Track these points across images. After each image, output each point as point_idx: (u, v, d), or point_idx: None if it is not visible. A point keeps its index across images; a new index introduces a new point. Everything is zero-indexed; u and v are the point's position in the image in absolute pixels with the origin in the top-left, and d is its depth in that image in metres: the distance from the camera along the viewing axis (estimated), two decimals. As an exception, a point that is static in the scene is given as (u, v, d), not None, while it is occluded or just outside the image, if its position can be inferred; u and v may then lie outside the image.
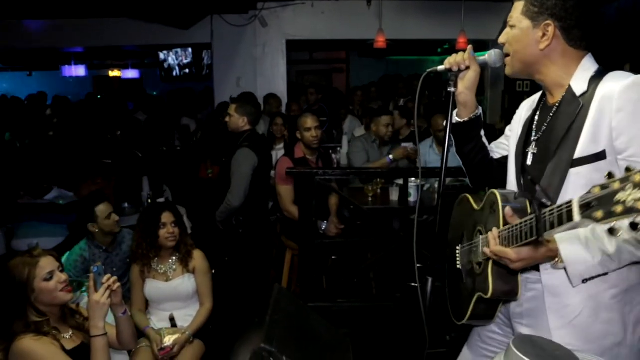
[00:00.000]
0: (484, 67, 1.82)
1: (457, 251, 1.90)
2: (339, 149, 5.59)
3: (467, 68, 1.80)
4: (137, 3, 6.15)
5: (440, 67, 1.83)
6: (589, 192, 1.14)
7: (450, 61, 1.79)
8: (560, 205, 1.24)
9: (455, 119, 1.90)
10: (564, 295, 1.59)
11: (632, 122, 1.44)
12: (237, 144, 4.09)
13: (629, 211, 1.04)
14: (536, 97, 1.83)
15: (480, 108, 1.91)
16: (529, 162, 1.72)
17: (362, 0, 7.28)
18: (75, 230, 4.12)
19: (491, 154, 1.97)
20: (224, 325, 3.41)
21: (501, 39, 1.73)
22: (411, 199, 4.21)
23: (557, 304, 1.61)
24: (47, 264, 2.23)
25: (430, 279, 1.75)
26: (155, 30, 7.70)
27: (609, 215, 1.08)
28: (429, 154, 4.95)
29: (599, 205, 1.10)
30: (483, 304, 1.70)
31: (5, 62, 12.14)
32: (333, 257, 4.66)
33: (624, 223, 1.07)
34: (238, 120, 4.09)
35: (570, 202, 1.20)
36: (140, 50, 10.82)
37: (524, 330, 1.70)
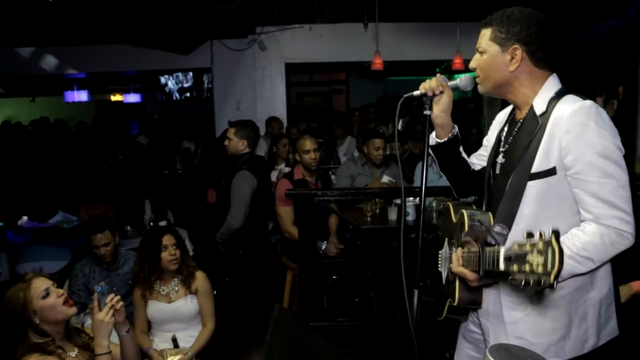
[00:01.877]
0: (456, 90, 1.95)
1: (439, 256, 2.07)
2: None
3: (441, 93, 1.92)
4: (137, 29, 6.27)
5: (416, 92, 1.95)
6: (510, 247, 1.39)
7: (425, 87, 1.92)
8: (493, 250, 1.49)
9: (435, 140, 2.03)
10: (516, 295, 1.80)
11: (577, 143, 1.64)
12: (237, 166, 4.15)
13: (532, 272, 1.28)
14: (508, 109, 2.00)
15: (456, 127, 2.02)
16: (497, 171, 1.91)
17: (359, 23, 7.38)
18: (79, 253, 4.16)
19: (472, 167, 2.11)
20: (225, 345, 3.45)
21: (472, 64, 1.89)
22: (409, 218, 4.27)
23: (511, 302, 1.81)
24: (40, 283, 2.25)
25: (416, 292, 1.84)
26: (156, 56, 7.81)
27: (520, 271, 1.32)
28: (428, 173, 4.99)
29: (516, 261, 1.34)
30: (454, 307, 1.89)
31: (8, 88, 12.26)
32: (333, 277, 4.69)
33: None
34: (237, 144, 4.16)
35: (498, 251, 1.44)
36: (142, 75, 10.93)
37: (488, 325, 1.90)
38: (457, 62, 6.96)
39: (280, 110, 7.96)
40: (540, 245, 1.27)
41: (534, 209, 1.73)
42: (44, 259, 4.25)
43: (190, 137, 8.85)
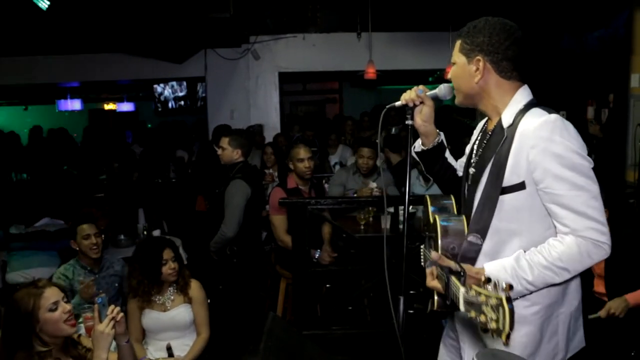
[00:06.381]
0: (436, 99, 1.96)
1: (421, 250, 2.04)
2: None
3: (422, 103, 1.95)
4: (132, 39, 6.28)
5: (398, 103, 1.97)
6: (469, 291, 1.36)
7: (406, 97, 1.94)
8: (456, 286, 1.45)
9: (421, 147, 2.07)
10: None
11: (544, 158, 1.63)
12: (230, 175, 4.16)
13: (486, 324, 1.29)
14: (486, 119, 1.99)
15: (442, 134, 2.06)
16: (469, 181, 1.90)
17: (352, 32, 7.43)
18: (66, 258, 4.14)
19: (457, 172, 2.12)
20: (219, 353, 3.44)
21: (448, 75, 1.91)
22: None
23: None
24: (52, 294, 2.25)
25: (402, 298, 1.81)
26: (150, 65, 7.83)
27: (477, 319, 1.32)
28: (415, 185, 4.97)
29: (474, 308, 1.34)
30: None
31: (1, 96, 12.25)
32: (327, 285, 4.70)
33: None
34: (232, 153, 4.16)
35: (459, 290, 1.42)
36: (135, 84, 10.94)
37: (464, 340, 1.89)
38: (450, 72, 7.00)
39: (273, 118, 7.99)
40: (493, 301, 1.27)
41: (506, 223, 1.72)
42: (33, 265, 4.23)
43: (184, 146, 8.86)
